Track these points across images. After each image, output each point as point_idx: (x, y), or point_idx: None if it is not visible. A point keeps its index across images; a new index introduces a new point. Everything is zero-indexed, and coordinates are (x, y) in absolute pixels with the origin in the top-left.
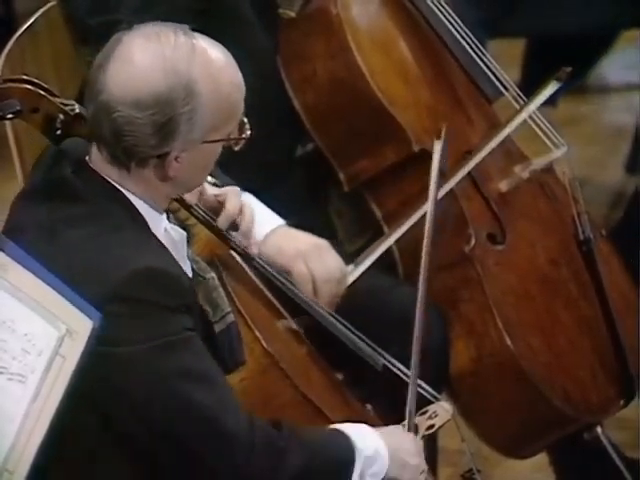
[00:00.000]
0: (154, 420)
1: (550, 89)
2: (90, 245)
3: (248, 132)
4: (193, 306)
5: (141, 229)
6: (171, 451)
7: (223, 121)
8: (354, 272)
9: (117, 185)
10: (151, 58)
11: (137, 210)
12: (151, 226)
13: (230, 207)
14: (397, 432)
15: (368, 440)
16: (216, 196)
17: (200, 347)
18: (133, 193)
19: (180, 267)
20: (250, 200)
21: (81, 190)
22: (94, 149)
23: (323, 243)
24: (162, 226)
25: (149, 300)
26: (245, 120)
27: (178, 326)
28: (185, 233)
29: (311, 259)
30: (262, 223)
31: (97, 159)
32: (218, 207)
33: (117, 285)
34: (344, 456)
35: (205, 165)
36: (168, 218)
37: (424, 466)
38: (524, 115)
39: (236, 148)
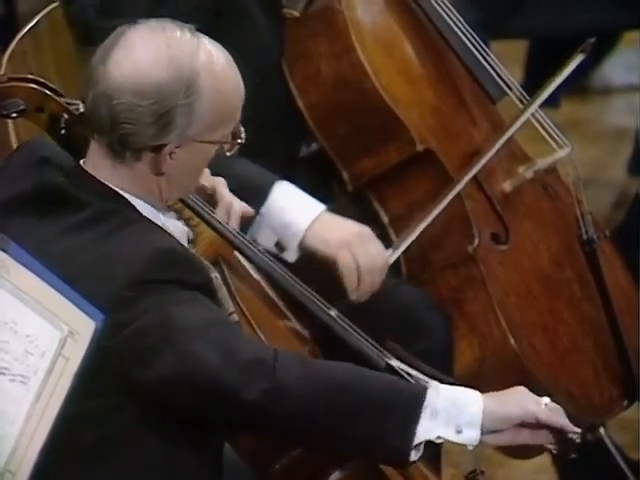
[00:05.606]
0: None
1: (575, 62)
2: (102, 243)
3: (243, 139)
4: (210, 286)
5: (148, 222)
6: (204, 398)
7: (220, 122)
8: (392, 256)
9: (114, 187)
10: (155, 49)
11: (136, 209)
12: None
13: (226, 198)
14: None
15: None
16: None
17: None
18: (130, 193)
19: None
20: (289, 188)
21: (79, 195)
22: (92, 146)
23: (366, 231)
24: (161, 223)
25: (170, 279)
26: (241, 127)
27: (192, 295)
28: (186, 228)
29: (355, 248)
30: (303, 211)
31: (94, 157)
32: (207, 198)
33: (140, 269)
34: (410, 387)
35: (197, 167)
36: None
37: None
38: (552, 88)
39: (228, 154)
